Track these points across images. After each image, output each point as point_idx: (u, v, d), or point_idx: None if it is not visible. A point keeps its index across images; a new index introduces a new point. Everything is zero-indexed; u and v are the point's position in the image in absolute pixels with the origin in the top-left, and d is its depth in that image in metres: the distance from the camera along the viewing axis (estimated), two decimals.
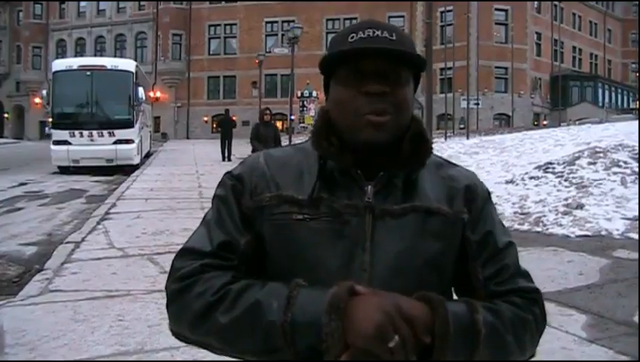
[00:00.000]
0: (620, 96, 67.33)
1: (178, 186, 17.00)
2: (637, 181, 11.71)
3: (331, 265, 1.34)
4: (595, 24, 69.25)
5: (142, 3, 64.81)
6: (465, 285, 1.47)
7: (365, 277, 1.33)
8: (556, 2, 59.94)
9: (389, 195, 1.40)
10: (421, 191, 1.43)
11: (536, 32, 58.23)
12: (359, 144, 1.39)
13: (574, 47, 65.22)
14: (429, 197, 1.42)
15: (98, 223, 11.14)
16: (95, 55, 61.20)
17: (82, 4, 67.83)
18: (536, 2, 58.36)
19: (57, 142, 22.61)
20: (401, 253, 1.36)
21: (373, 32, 1.40)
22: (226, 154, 26.95)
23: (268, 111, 14.82)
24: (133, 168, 22.50)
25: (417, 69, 1.46)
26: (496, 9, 54.06)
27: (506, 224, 10.29)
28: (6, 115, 72.74)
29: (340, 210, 1.37)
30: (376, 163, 1.40)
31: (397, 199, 1.40)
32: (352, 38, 1.41)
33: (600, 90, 62.57)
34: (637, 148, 13.17)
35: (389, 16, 57.80)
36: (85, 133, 22.54)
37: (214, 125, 61.13)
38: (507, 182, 13.27)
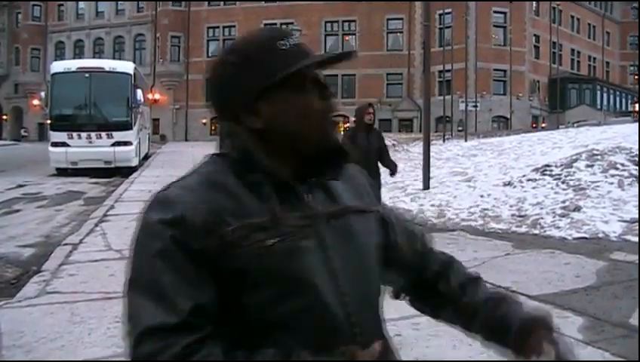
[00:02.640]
0: (618, 99, 67.40)
1: None
2: (634, 183, 11.73)
3: (317, 282, 1.31)
4: (594, 27, 69.37)
5: (140, 5, 64.91)
6: (393, 265, 1.57)
7: (339, 283, 1.33)
8: (555, 5, 60.02)
9: (322, 200, 1.40)
10: (340, 192, 1.45)
11: (535, 35, 58.31)
12: (327, 146, 1.39)
13: (573, 50, 65.32)
14: (349, 197, 1.46)
15: (96, 225, 11.16)
16: (94, 57, 61.30)
17: (81, 5, 67.95)
18: (534, 4, 58.44)
19: (55, 144, 22.60)
20: (353, 253, 1.39)
21: (295, 38, 1.40)
22: None
23: (371, 109, 8.78)
24: (132, 170, 22.50)
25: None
26: (495, 11, 54.13)
27: (504, 226, 10.34)
28: (4, 117, 72.74)
29: (298, 223, 1.32)
30: (302, 170, 1.40)
31: (328, 203, 1.40)
32: (283, 46, 1.36)
33: (598, 93, 62.64)
34: (635, 150, 13.18)
35: (388, 19, 58.11)
36: (84, 134, 22.53)
37: (213, 127, 61.12)
38: (505, 185, 13.28)
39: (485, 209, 11.66)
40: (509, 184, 13.28)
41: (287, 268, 1.28)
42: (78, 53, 66.00)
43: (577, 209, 10.77)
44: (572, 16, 65.26)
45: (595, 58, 69.41)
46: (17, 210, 14.19)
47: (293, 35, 1.39)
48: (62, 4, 68.97)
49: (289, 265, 1.29)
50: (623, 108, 64.51)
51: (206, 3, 62.95)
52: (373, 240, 1.46)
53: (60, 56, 65.09)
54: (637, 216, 10.02)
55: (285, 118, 1.36)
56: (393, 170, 8.92)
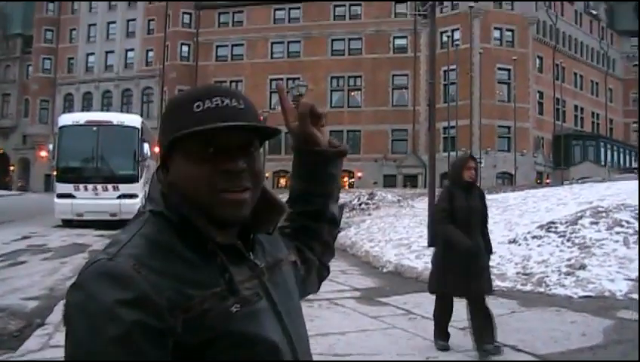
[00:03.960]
0: (622, 155, 67.59)
1: None
2: (639, 240, 11.70)
3: (276, 341, 1.30)
4: (597, 83, 69.97)
5: (149, 59, 65.85)
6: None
7: (292, 338, 1.36)
8: (558, 62, 60.66)
9: (260, 254, 1.41)
10: (264, 244, 1.45)
11: (539, 91, 58.83)
12: (219, 221, 1.31)
13: (576, 106, 65.77)
14: (271, 249, 1.46)
15: None
16: (102, 109, 61.99)
17: (91, 58, 68.93)
18: (537, 62, 59.09)
19: (61, 196, 22.67)
20: (290, 303, 1.42)
21: (222, 101, 1.32)
22: None
23: (473, 164, 7.03)
24: None
25: (269, 137, 1.42)
26: (499, 68, 54.73)
27: (509, 284, 10.29)
28: (12, 167, 73.20)
29: (252, 286, 1.32)
30: (235, 230, 1.38)
31: (259, 256, 1.40)
32: (199, 107, 1.30)
33: (602, 149, 62.84)
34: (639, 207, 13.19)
35: (393, 75, 58.65)
36: (90, 186, 22.62)
37: None
38: (510, 242, 13.26)
39: (490, 266, 11.62)
40: (514, 241, 13.26)
41: (250, 332, 1.26)
42: (87, 106, 66.75)
43: (583, 267, 10.73)
44: (575, 73, 65.90)
45: (598, 115, 69.82)
46: (22, 262, 14.18)
47: (220, 97, 1.32)
48: (72, 57, 70.04)
49: (252, 329, 1.27)
50: (627, 164, 64.64)
51: (214, 58, 63.82)
52: (296, 287, 1.51)
53: (68, 108, 65.90)
54: None
55: (179, 181, 1.32)
56: (489, 248, 7.10)
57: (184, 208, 1.29)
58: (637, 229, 12.24)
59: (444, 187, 7.18)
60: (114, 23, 68.74)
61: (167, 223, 1.29)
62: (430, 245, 14.14)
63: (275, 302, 1.35)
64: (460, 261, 6.43)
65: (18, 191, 61.14)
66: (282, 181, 59.78)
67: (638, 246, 11.16)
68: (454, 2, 53.60)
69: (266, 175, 53.65)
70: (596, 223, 12.93)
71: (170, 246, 1.26)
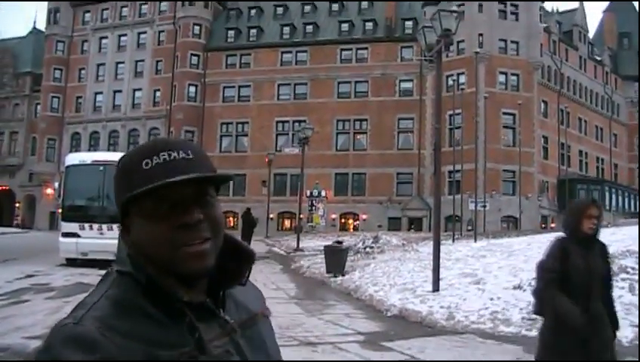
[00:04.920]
0: (627, 200, 67.48)
1: None
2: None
3: None
4: (601, 129, 70.19)
5: (156, 99, 66.44)
6: None
7: None
8: (562, 107, 60.97)
9: (233, 309, 1.40)
10: (239, 299, 1.44)
11: (544, 136, 59.02)
12: (183, 276, 1.30)
13: (581, 151, 65.90)
14: (246, 304, 1.45)
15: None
16: (108, 149, 62.41)
17: (99, 98, 69.60)
18: (542, 106, 59.41)
19: (66, 235, 22.66)
20: (266, 359, 1.41)
21: (170, 155, 1.31)
22: None
23: (595, 211, 5.18)
24: None
25: (221, 183, 1.40)
26: (504, 113, 55.02)
27: (514, 330, 10.24)
28: (17, 205, 73.41)
29: (223, 345, 1.32)
30: (203, 283, 1.37)
31: (232, 312, 1.39)
32: (147, 164, 1.30)
33: (607, 194, 62.74)
34: None
35: (399, 118, 58.97)
36: (95, 226, 22.60)
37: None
38: (515, 288, 13.20)
39: (495, 312, 11.57)
40: (519, 287, 13.20)
41: None
42: (94, 145, 67.23)
43: None
44: (580, 118, 66.16)
45: (603, 159, 69.92)
46: (25, 301, 14.16)
47: (167, 151, 1.32)
48: (80, 96, 70.73)
49: None
50: (632, 209, 64.51)
51: (221, 99, 64.33)
52: (273, 335, 1.51)
53: (75, 146, 66.39)
54: None
55: (140, 241, 1.32)
56: (615, 321, 5.25)
57: (149, 268, 1.30)
58: (638, 275, 12.19)
59: (555, 240, 5.32)
60: (122, 63, 69.53)
61: (134, 283, 1.30)
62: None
63: (247, 360, 1.34)
64: (576, 339, 4.90)
65: (23, 228, 61.02)
66: (287, 222, 59.76)
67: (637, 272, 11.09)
68: (460, 47, 54.09)
69: (271, 216, 53.85)
70: None
71: (137, 307, 1.26)
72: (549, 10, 65.70)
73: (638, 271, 12.08)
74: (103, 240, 22.37)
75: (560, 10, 70.47)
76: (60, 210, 24.30)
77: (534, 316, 11.03)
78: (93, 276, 19.49)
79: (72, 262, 22.47)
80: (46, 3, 73.93)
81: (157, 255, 1.29)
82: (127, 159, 1.36)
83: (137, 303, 1.27)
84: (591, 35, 73.74)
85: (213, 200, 1.34)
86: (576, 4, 71.95)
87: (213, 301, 1.36)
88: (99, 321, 1.21)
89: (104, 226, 22.59)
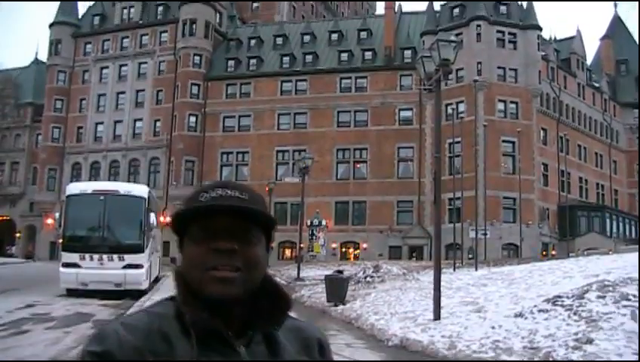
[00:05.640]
0: (627, 227, 67.43)
1: None
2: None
3: None
4: (601, 155, 70.34)
5: (157, 129, 66.68)
6: None
7: None
8: (562, 134, 61.14)
9: (259, 353, 1.44)
10: (282, 344, 1.48)
11: (543, 163, 59.16)
12: (208, 299, 1.41)
13: (581, 178, 65.96)
14: (291, 351, 1.49)
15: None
16: (109, 178, 62.55)
17: (99, 128, 69.83)
18: (542, 134, 59.60)
19: (67, 265, 22.60)
20: None
21: (225, 192, 1.47)
22: None
23: None
24: (142, 293, 22.41)
25: (267, 227, 1.52)
26: (504, 140, 55.23)
27: (515, 358, 10.21)
28: (18, 234, 73.40)
29: None
30: (238, 319, 1.45)
31: (265, 355, 1.45)
32: (202, 196, 1.47)
33: (608, 221, 62.75)
34: None
35: (399, 147, 59.07)
36: (95, 256, 22.53)
37: None
38: (516, 316, 13.17)
39: (497, 340, 11.54)
40: (520, 315, 13.17)
41: None
42: (94, 175, 67.38)
43: (590, 341, 10.64)
44: (579, 145, 66.34)
45: (603, 186, 69.97)
46: (26, 331, 14.12)
47: (223, 188, 1.48)
48: (81, 127, 70.99)
49: None
50: (633, 235, 64.46)
51: (221, 129, 64.54)
52: None
53: (76, 176, 66.58)
54: None
55: (183, 263, 1.49)
56: None
57: (182, 289, 1.46)
58: (639, 302, 12.18)
59: None
60: (123, 93, 69.87)
61: (172, 306, 1.46)
62: (435, 318, 14.01)
63: None
64: None
65: (27, 258, 60.86)
66: (287, 252, 59.64)
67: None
68: (459, 75, 54.42)
69: (272, 245, 53.21)
70: (603, 297, 12.86)
71: (159, 324, 1.41)
72: (547, 38, 66.13)
73: (638, 298, 12.06)
74: (103, 270, 22.35)
75: (557, 38, 70.94)
76: (60, 240, 24.26)
77: (536, 345, 11.03)
78: (93, 306, 19.50)
79: (72, 292, 22.43)
80: (48, 34, 74.56)
81: (191, 275, 1.44)
82: (191, 193, 1.54)
83: (164, 322, 1.41)
84: (589, 62, 74.19)
85: (254, 239, 1.47)
86: (573, 32, 72.49)
87: (235, 335, 1.43)
88: (120, 324, 1.40)
89: (104, 257, 22.55)
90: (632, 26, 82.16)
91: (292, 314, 1.56)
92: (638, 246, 44.00)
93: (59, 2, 75.86)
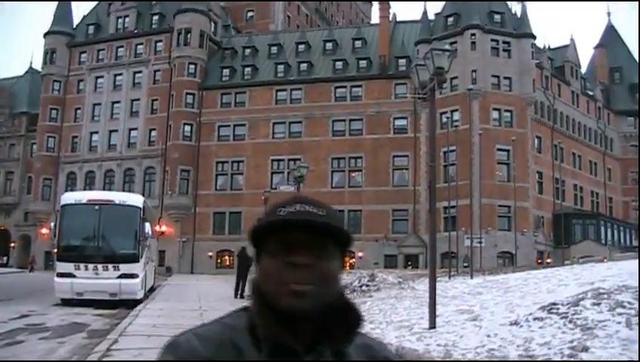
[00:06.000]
0: (622, 234, 67.57)
1: (181, 323, 16.81)
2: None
3: None
4: (595, 163, 70.54)
5: (152, 139, 66.65)
6: None
7: None
8: (556, 142, 61.30)
9: None
10: (349, 360, 1.51)
11: (538, 171, 59.27)
12: (282, 312, 1.44)
13: (575, 186, 66.11)
14: None
15: (99, 360, 11.02)
16: (104, 188, 62.47)
17: (94, 137, 69.77)
18: (536, 142, 59.74)
19: (62, 275, 22.56)
20: None
21: (302, 207, 1.51)
22: (239, 291, 26.93)
23: None
24: (137, 302, 22.37)
25: (343, 244, 1.55)
26: (498, 149, 55.33)
27: None
28: (12, 244, 73.23)
29: None
30: (309, 333, 1.47)
31: None
32: (281, 211, 1.52)
33: (602, 228, 62.86)
34: None
35: (394, 156, 59.10)
36: (90, 266, 22.51)
37: (219, 260, 61.30)
38: (511, 324, 13.17)
39: (492, 349, 11.53)
40: (515, 323, 13.17)
41: None
42: (89, 184, 67.28)
43: (585, 349, 10.64)
44: (574, 153, 66.51)
45: (597, 193, 70.13)
46: (20, 342, 14.07)
47: (301, 204, 1.52)
48: (76, 136, 70.90)
49: None
50: (627, 243, 64.58)
51: (216, 138, 64.51)
52: None
53: (70, 186, 66.48)
54: None
55: (259, 276, 1.53)
56: None
57: (255, 300, 1.50)
58: (638, 310, 12.18)
59: None
60: (118, 102, 69.84)
61: (246, 318, 1.51)
62: (431, 327, 14.00)
63: None
64: None
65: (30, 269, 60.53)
66: None
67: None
68: (453, 84, 54.58)
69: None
70: (598, 304, 12.87)
71: (232, 336, 1.46)
72: (541, 46, 66.36)
73: (638, 305, 12.08)
74: (98, 280, 22.31)
75: (551, 46, 71.19)
76: (55, 250, 24.23)
77: (531, 353, 11.03)
78: (88, 316, 19.46)
79: (67, 302, 22.38)
80: (42, 43, 74.58)
81: (266, 287, 1.48)
82: (270, 207, 1.59)
83: (236, 334, 1.46)
84: (583, 70, 74.51)
85: (330, 255, 1.50)
86: (567, 41, 72.75)
87: (305, 350, 1.45)
88: (194, 335, 1.47)
89: (99, 266, 22.53)
90: (625, 34, 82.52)
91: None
92: (636, 253, 44.15)
93: (53, 12, 75.92)
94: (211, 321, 1.55)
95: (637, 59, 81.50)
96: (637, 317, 11.91)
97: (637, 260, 22.42)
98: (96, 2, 77.79)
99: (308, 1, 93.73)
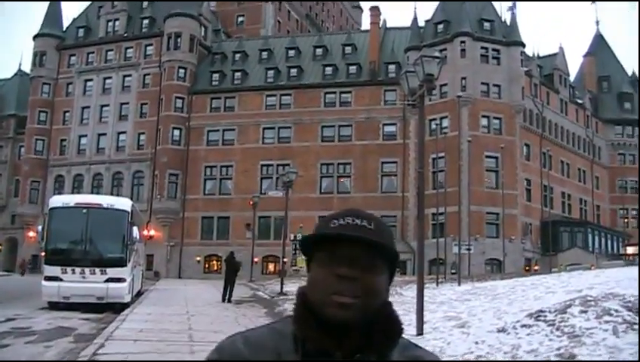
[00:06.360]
0: (610, 242, 67.82)
1: (168, 328, 16.79)
2: (629, 330, 11.68)
3: None
4: (584, 171, 70.87)
5: (140, 143, 66.47)
6: None
7: None
8: (545, 150, 61.56)
9: None
10: None
11: (526, 179, 59.49)
12: (327, 321, 1.49)
13: (564, 193, 66.40)
14: None
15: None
16: (92, 191, 62.23)
17: (83, 141, 69.52)
18: (525, 150, 59.96)
19: (49, 278, 22.44)
20: None
21: (353, 220, 1.56)
22: (227, 296, 26.89)
23: None
24: (124, 306, 22.27)
25: (391, 259, 1.60)
26: (487, 156, 55.51)
27: None
28: None
29: None
30: (351, 342, 1.50)
31: None
32: (334, 224, 1.57)
33: (590, 236, 63.10)
34: (628, 296, 13.22)
35: (383, 162, 59.18)
36: (77, 269, 22.39)
37: (206, 265, 61.14)
38: (499, 331, 13.18)
39: (480, 356, 11.54)
40: (503, 330, 13.19)
41: None
42: (77, 187, 67.01)
43: (572, 357, 10.67)
44: (562, 161, 66.80)
45: (586, 201, 70.46)
46: (5, 346, 13.96)
47: (352, 217, 1.58)
48: (64, 139, 70.65)
49: None
50: (615, 250, 64.87)
51: (205, 142, 64.41)
52: None
53: (58, 189, 66.17)
54: None
55: (307, 284, 1.59)
56: None
57: (299, 314, 1.56)
58: (626, 318, 12.23)
59: None
60: (107, 106, 69.65)
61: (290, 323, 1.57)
62: (418, 334, 13.99)
63: None
64: None
65: (5, 271, 60.28)
66: (271, 266, 59.55)
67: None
68: (443, 91, 54.72)
69: (255, 260, 53.49)
70: (585, 312, 12.90)
71: (275, 341, 1.53)
72: (530, 54, 66.69)
73: (638, 309, 12.12)
74: (85, 283, 22.20)
75: (541, 54, 71.52)
76: (42, 253, 24.09)
77: (518, 359, 11.04)
78: (74, 320, 19.33)
79: (54, 306, 22.24)
80: (32, 45, 74.28)
81: (314, 296, 1.53)
82: (323, 219, 1.66)
83: (279, 340, 1.53)
84: (572, 78, 74.89)
85: (376, 269, 1.55)
86: (556, 49, 73.17)
87: (344, 358, 1.49)
88: (241, 337, 1.55)
89: (87, 270, 22.41)
90: (613, 44, 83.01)
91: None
92: (623, 261, 44.40)
93: (43, 15, 75.65)
94: (262, 325, 1.63)
95: (625, 68, 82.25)
96: (624, 325, 11.96)
97: (624, 268, 22.56)
98: (87, 4, 77.65)
99: (299, 1, 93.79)
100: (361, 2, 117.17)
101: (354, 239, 1.52)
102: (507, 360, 11.20)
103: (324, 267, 1.52)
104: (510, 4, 64.14)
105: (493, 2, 62.76)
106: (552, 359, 10.74)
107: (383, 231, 1.58)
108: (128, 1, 72.34)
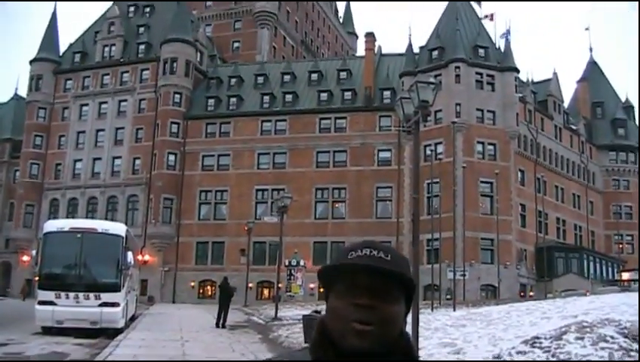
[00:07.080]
0: (604, 268, 67.76)
1: (162, 353, 16.68)
2: (625, 357, 11.67)
3: None
4: (578, 196, 71.00)
5: (136, 167, 66.49)
6: None
7: None
8: (539, 175, 61.70)
9: None
10: None
11: (521, 204, 59.53)
12: (345, 349, 1.54)
13: (558, 219, 66.43)
14: None
15: None
16: (87, 215, 62.05)
17: (78, 165, 69.46)
18: (519, 175, 60.09)
19: (42, 303, 22.33)
20: None
21: (370, 252, 1.60)
22: (221, 321, 26.80)
23: None
24: (118, 331, 22.14)
25: (407, 290, 1.64)
26: (482, 181, 55.58)
27: None
28: None
29: None
30: None
31: None
32: (351, 255, 1.61)
33: (585, 262, 63.02)
34: (623, 323, 13.22)
35: (377, 187, 59.19)
36: (71, 294, 22.30)
37: (201, 290, 60.90)
38: (494, 357, 13.15)
39: None
40: (498, 357, 13.15)
41: None
42: (72, 211, 66.86)
43: None
44: (557, 186, 66.93)
45: (580, 227, 70.49)
46: None
47: (370, 249, 1.62)
48: (60, 163, 70.57)
49: None
50: (610, 276, 64.81)
51: (200, 167, 64.38)
52: None
53: (53, 213, 65.99)
54: None
55: (326, 314, 1.64)
56: None
57: (316, 342, 1.63)
58: (622, 345, 12.23)
59: None
60: (103, 130, 69.67)
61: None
62: None
63: None
64: None
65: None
66: (266, 291, 59.32)
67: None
68: (437, 117, 54.95)
69: (250, 285, 53.25)
70: (581, 338, 12.88)
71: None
72: (524, 80, 67.06)
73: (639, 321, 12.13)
74: (79, 308, 22.09)
75: (535, 80, 71.92)
76: (36, 278, 23.99)
77: None
78: (68, 345, 19.21)
79: (47, 331, 22.11)
80: (28, 69, 74.51)
81: (333, 325, 1.59)
82: (342, 249, 1.69)
83: (302, 360, 1.63)
84: (566, 104, 75.34)
85: (393, 299, 1.60)
86: (550, 75, 73.57)
87: None
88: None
89: (80, 295, 22.32)
90: (607, 70, 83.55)
91: (271, 354, 1.70)
92: (619, 287, 44.37)
93: (40, 39, 75.94)
94: (284, 353, 1.74)
95: (618, 94, 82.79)
96: (620, 352, 11.96)
97: (619, 294, 22.56)
98: (84, 29, 77.97)
99: (295, 28, 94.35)
100: (356, 28, 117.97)
101: (371, 270, 1.57)
102: None
103: (342, 297, 1.58)
104: (504, 30, 64.68)
105: (487, 29, 63.32)
106: None
107: (398, 262, 1.63)
108: (125, 27, 72.69)
